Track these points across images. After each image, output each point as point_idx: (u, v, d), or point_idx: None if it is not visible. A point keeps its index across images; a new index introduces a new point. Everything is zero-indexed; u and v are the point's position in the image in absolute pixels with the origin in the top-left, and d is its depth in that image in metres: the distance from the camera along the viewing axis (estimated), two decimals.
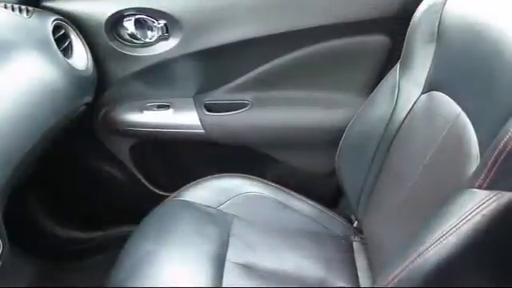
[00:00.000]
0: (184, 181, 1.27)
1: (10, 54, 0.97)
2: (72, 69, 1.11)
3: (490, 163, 0.63)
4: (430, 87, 0.95)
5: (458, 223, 0.66)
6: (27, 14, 1.07)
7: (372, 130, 1.10)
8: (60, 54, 1.08)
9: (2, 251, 0.72)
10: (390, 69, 1.11)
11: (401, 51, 1.07)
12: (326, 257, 1.12)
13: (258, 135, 1.38)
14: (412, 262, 0.69)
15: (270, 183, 1.28)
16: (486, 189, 0.64)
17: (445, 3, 0.93)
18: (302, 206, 1.26)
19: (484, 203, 0.64)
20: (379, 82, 1.15)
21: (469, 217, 0.65)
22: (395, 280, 0.72)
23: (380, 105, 1.10)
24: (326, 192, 1.41)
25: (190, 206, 1.19)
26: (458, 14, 0.89)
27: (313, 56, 1.29)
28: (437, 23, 0.94)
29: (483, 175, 0.64)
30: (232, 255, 1.07)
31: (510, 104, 0.65)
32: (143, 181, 1.47)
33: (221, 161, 1.38)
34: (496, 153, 0.62)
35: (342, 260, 1.12)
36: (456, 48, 0.87)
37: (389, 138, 1.04)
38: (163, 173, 1.48)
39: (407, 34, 1.04)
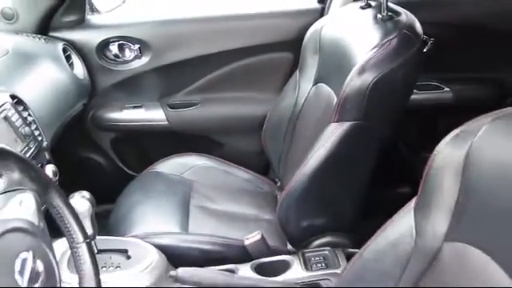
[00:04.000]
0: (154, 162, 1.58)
1: (37, 63, 1.36)
2: (76, 77, 1.50)
3: (336, 105, 1.09)
4: (316, 81, 1.36)
5: (323, 143, 1.11)
6: (45, 41, 1.46)
7: (283, 115, 1.47)
8: (68, 67, 1.47)
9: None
10: (293, 74, 1.51)
11: (299, 62, 1.47)
12: (258, 204, 1.45)
13: (206, 125, 1.74)
14: (302, 168, 1.13)
15: (217, 158, 1.61)
16: (335, 122, 1.10)
17: (321, 30, 1.36)
18: (241, 173, 1.59)
19: (334, 130, 1.09)
20: (286, 83, 1.54)
21: (328, 139, 1.10)
22: (293, 181, 1.16)
23: (287, 98, 1.49)
24: (258, 164, 1.71)
25: (160, 174, 1.52)
26: (329, 36, 1.33)
27: (242, 67, 1.69)
28: (318, 42, 1.36)
29: (334, 114, 1.10)
30: (194, 202, 1.40)
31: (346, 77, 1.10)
32: (121, 165, 1.78)
33: (180, 144, 1.71)
34: (338, 98, 1.09)
35: (268, 206, 1.44)
36: (328, 55, 1.31)
37: (294, 118, 1.42)
38: (137, 158, 1.79)
39: (301, 50, 1.45)
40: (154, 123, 1.72)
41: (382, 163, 1.19)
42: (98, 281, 0.76)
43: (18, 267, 0.58)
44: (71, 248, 0.75)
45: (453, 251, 0.66)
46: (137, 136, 1.78)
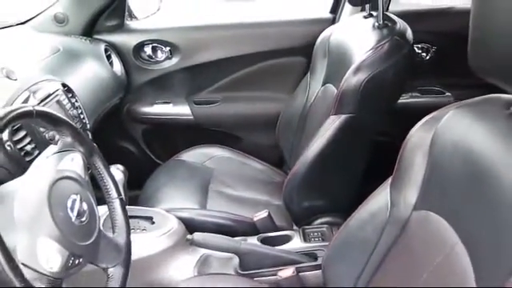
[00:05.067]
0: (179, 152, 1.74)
1: (83, 60, 1.55)
2: (114, 74, 1.70)
3: (335, 100, 1.24)
4: (324, 82, 1.48)
5: (323, 133, 1.25)
6: (89, 42, 1.66)
7: (295, 112, 1.61)
8: (108, 65, 1.67)
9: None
10: (305, 76, 1.65)
11: (310, 65, 1.61)
12: (269, 192, 1.57)
13: (226, 120, 1.90)
14: (305, 154, 1.28)
15: (235, 150, 1.76)
16: (334, 114, 1.24)
17: (330, 37, 1.51)
18: (256, 164, 1.72)
19: (333, 121, 1.23)
20: (299, 84, 1.68)
21: (327, 129, 1.24)
22: (296, 166, 1.30)
23: (299, 97, 1.63)
24: (273, 156, 1.81)
25: (185, 162, 1.68)
26: (336, 41, 1.47)
27: (260, 70, 1.85)
28: (327, 47, 1.50)
29: (333, 107, 1.24)
30: (213, 186, 1.54)
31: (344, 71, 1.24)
32: (150, 154, 1.96)
33: (203, 137, 1.86)
34: (336, 94, 1.23)
35: (279, 194, 1.47)
36: (334, 58, 1.44)
37: (304, 115, 1.55)
38: (164, 148, 1.95)
39: (312, 54, 1.59)
40: (181, 117, 1.89)
41: (386, 160, 1.31)
42: (128, 229, 0.93)
43: (69, 205, 0.76)
44: (108, 203, 0.93)
45: (418, 218, 0.80)
46: (165, 128, 1.94)
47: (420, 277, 0.74)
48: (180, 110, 1.89)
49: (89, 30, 1.75)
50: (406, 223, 0.82)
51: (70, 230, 0.74)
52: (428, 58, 1.82)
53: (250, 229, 1.32)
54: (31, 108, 0.76)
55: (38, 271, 0.67)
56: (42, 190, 0.74)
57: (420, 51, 1.81)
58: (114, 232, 0.92)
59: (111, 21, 1.80)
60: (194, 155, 1.71)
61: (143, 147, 1.96)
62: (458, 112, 0.78)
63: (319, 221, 1.35)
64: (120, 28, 1.85)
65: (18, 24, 1.64)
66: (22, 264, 0.66)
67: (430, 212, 0.77)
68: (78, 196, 0.79)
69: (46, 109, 0.81)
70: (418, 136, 0.84)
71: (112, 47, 1.78)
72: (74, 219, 0.76)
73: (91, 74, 1.54)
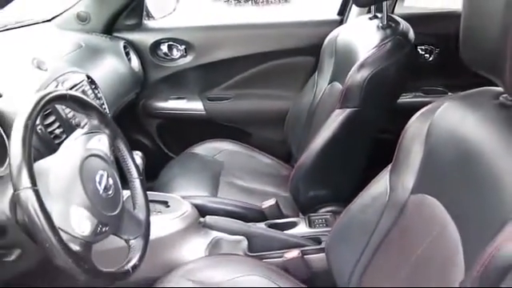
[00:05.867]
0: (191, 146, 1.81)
1: (103, 56, 1.64)
2: (132, 70, 1.79)
3: (340, 95, 1.30)
4: (331, 80, 1.55)
5: (329, 126, 1.33)
6: (109, 39, 1.75)
7: (303, 109, 1.67)
8: (127, 61, 1.76)
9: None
10: (313, 75, 1.72)
11: (318, 64, 1.68)
12: (277, 184, 1.64)
13: (237, 116, 1.97)
14: (311, 146, 1.35)
15: (244, 145, 1.83)
16: (340, 108, 1.31)
17: (337, 37, 1.57)
18: (264, 158, 1.79)
19: (338, 115, 1.30)
20: (307, 82, 1.75)
21: (333, 122, 1.31)
22: (303, 157, 1.38)
23: (307, 95, 1.69)
24: (281, 151, 1.86)
25: (196, 155, 1.75)
26: (343, 41, 1.54)
27: (270, 68, 1.93)
28: (334, 47, 1.57)
29: (338, 102, 1.31)
30: (223, 178, 1.61)
31: (350, 68, 1.31)
32: (163, 147, 2.04)
33: (215, 131, 1.93)
34: (342, 89, 1.30)
35: (286, 186, 1.52)
36: (341, 57, 1.51)
37: (312, 112, 1.62)
38: (177, 141, 2.02)
39: (320, 54, 1.66)
40: (194, 113, 1.97)
41: (387, 154, 1.38)
42: (148, 207, 1.01)
43: (97, 179, 0.85)
44: (129, 182, 1.01)
45: (415, 201, 0.87)
46: (178, 123, 2.02)
47: (416, 251, 0.81)
48: (193, 105, 1.97)
49: (109, 28, 1.85)
50: (404, 206, 0.89)
51: (98, 201, 0.82)
52: (431, 59, 1.88)
53: (259, 216, 1.39)
54: (65, 92, 0.85)
55: (71, 234, 0.76)
56: (74, 166, 0.82)
57: (423, 53, 1.87)
58: (134, 208, 1.00)
59: (130, 20, 1.89)
60: (205, 149, 1.78)
61: (157, 141, 2.04)
62: (452, 103, 0.84)
63: (323, 210, 1.42)
64: (138, 27, 1.93)
65: (43, 21, 1.73)
66: (58, 228, 0.74)
67: (426, 195, 0.83)
68: (105, 172, 0.87)
69: (77, 93, 0.89)
70: (416, 126, 0.91)
71: (130, 45, 1.87)
72: (101, 192, 0.84)
73: (111, 69, 1.63)
